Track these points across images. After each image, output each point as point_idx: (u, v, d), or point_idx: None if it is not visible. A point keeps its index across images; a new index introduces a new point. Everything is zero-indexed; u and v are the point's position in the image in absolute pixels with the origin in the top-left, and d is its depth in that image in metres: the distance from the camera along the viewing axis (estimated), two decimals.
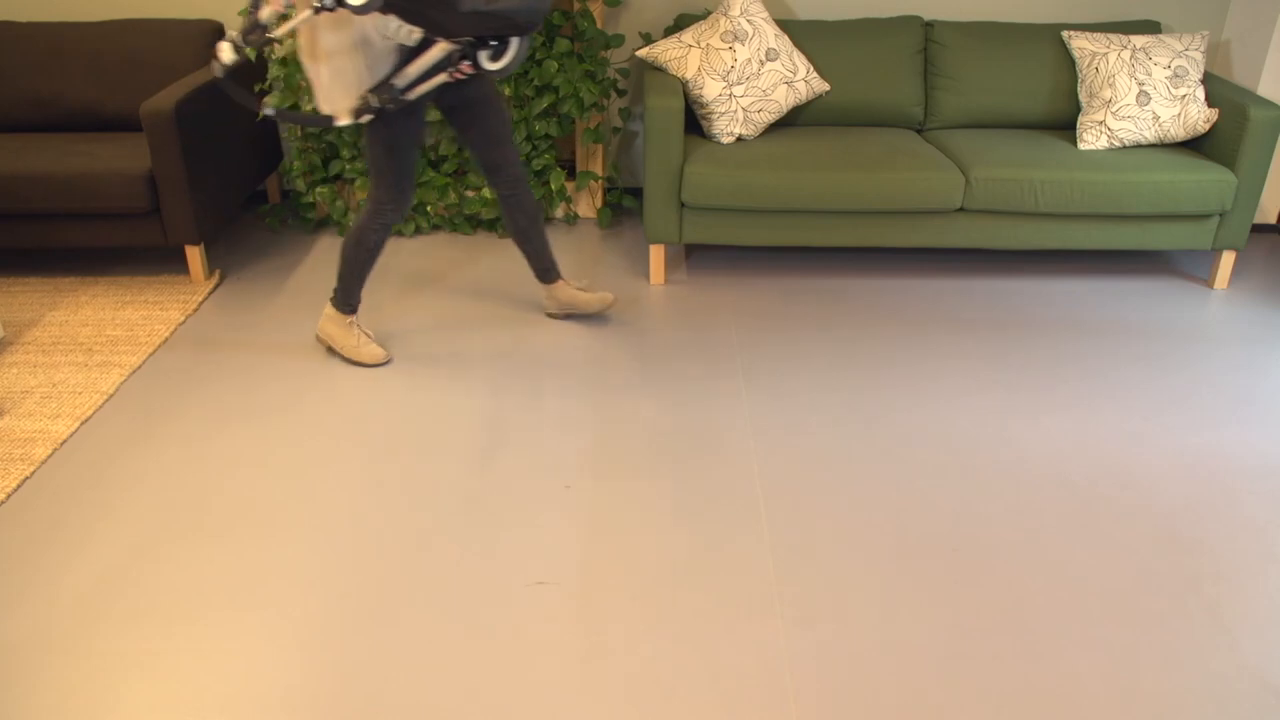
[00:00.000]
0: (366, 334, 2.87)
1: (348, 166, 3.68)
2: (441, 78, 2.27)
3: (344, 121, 2.27)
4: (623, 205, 4.06)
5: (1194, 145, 3.44)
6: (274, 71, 3.53)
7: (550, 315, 3.11)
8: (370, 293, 3.31)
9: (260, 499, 2.30)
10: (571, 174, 3.96)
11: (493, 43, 2.24)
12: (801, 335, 3.06)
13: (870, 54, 3.54)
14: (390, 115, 2.42)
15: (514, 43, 2.24)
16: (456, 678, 1.82)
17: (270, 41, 2.01)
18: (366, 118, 2.25)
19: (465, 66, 2.26)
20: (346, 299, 2.83)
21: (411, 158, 2.58)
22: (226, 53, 2.07)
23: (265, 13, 2.06)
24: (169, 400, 2.70)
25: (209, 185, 3.31)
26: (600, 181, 3.86)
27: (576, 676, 1.82)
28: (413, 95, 2.28)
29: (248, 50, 2.15)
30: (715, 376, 2.82)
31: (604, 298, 3.05)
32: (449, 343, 3.00)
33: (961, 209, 3.26)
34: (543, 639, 1.91)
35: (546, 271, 2.99)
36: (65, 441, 2.51)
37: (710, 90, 3.32)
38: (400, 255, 3.61)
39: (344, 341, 2.85)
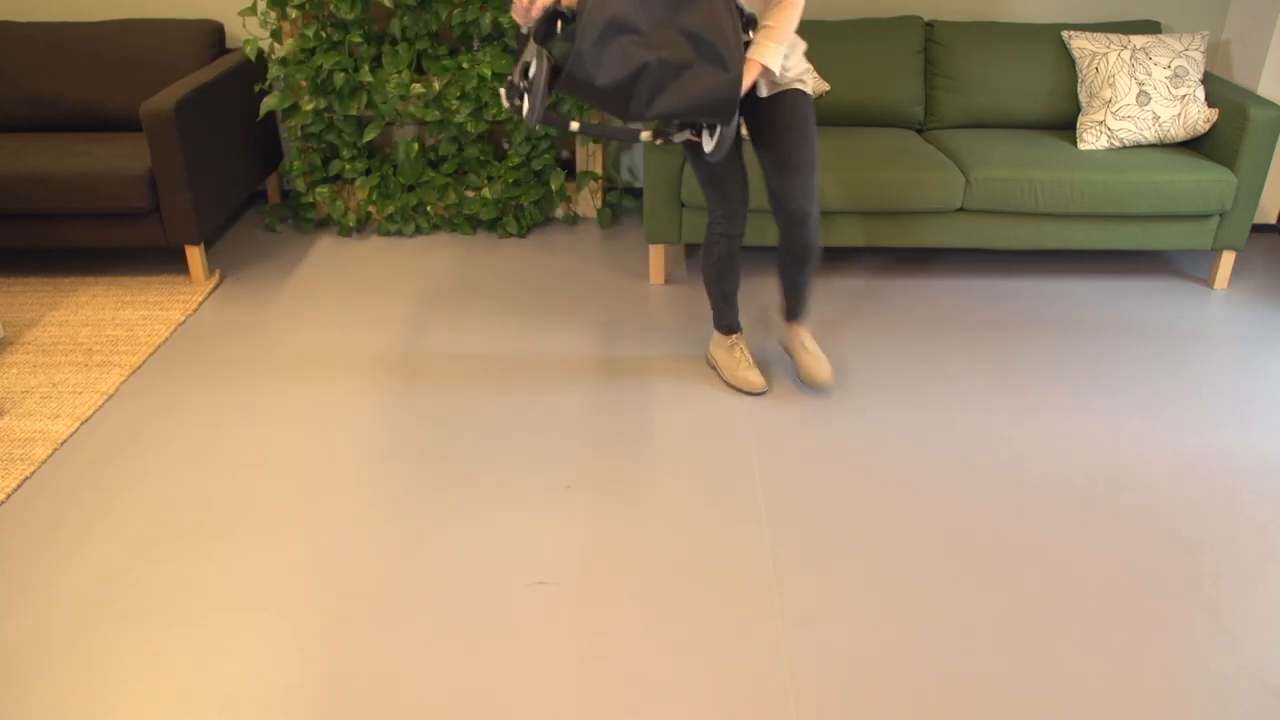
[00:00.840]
0: (747, 357, 2.75)
1: (348, 166, 3.68)
2: (686, 133, 2.25)
3: (646, 138, 2.26)
4: (623, 205, 4.06)
5: (1194, 145, 3.43)
6: (274, 71, 3.54)
7: (783, 348, 2.95)
8: (370, 293, 3.31)
9: (260, 499, 2.30)
10: (571, 174, 3.96)
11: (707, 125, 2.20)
12: None
13: (870, 54, 3.54)
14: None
15: (718, 129, 2.17)
16: (456, 678, 1.82)
17: (520, 107, 2.06)
18: (659, 141, 2.26)
19: (692, 135, 2.23)
20: (720, 320, 2.76)
21: (731, 172, 2.48)
22: (504, 99, 2.15)
23: (516, 75, 2.13)
24: (169, 400, 2.70)
25: (209, 185, 3.31)
26: (600, 181, 3.86)
27: (576, 676, 1.82)
28: (677, 138, 2.25)
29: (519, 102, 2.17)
30: (714, 376, 2.82)
31: (817, 375, 2.69)
32: (448, 342, 3.00)
33: (961, 209, 3.26)
34: (543, 639, 1.91)
35: (789, 312, 2.76)
36: (65, 441, 2.51)
37: None
38: (400, 255, 3.61)
39: (723, 364, 2.77)
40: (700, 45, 1.99)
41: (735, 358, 2.75)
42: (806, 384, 2.73)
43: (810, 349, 2.72)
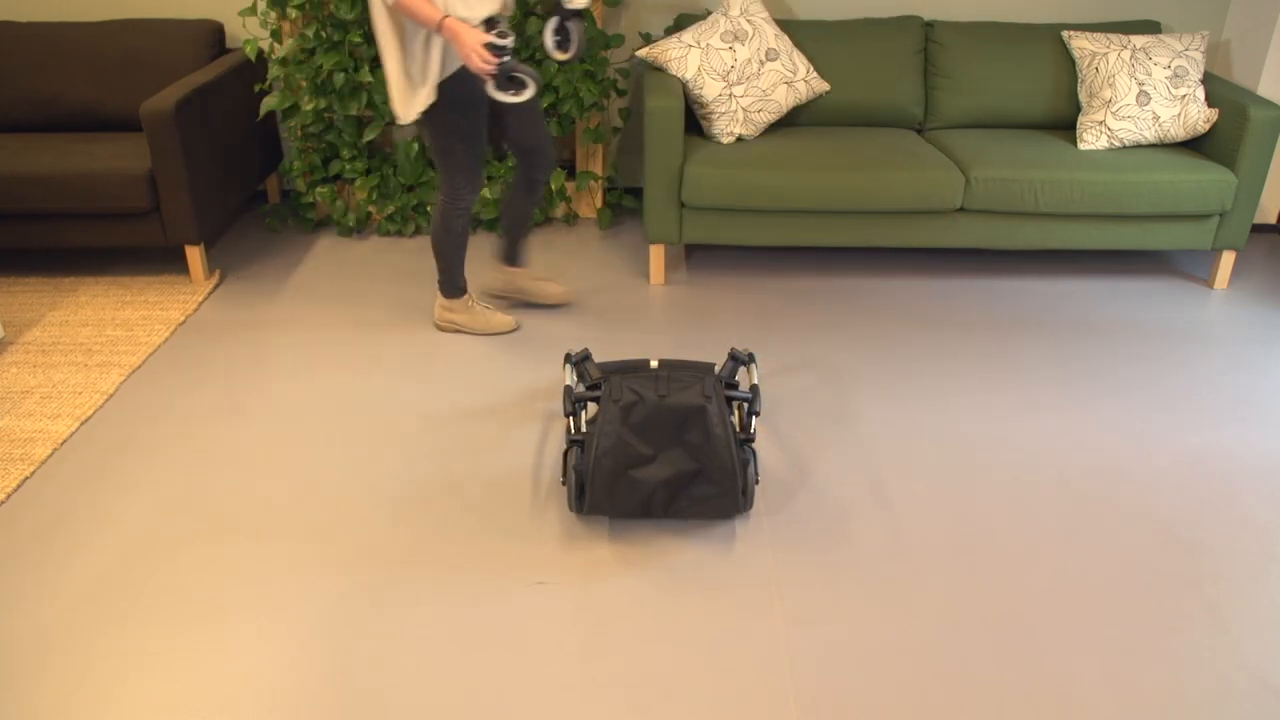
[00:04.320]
0: (487, 306, 3.04)
1: (348, 166, 3.68)
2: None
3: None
4: (623, 205, 4.06)
5: (1194, 145, 3.44)
6: (274, 71, 3.54)
7: (497, 294, 3.22)
8: (369, 293, 3.31)
9: (260, 499, 2.30)
10: (571, 174, 3.96)
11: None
12: (801, 335, 3.06)
13: (870, 54, 3.54)
14: (464, 109, 2.66)
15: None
16: (456, 678, 1.82)
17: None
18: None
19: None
20: (453, 284, 2.98)
21: (481, 146, 2.75)
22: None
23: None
24: (169, 400, 2.70)
25: (209, 185, 3.31)
26: (600, 181, 3.86)
27: (576, 676, 1.82)
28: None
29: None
30: None
31: (563, 293, 3.17)
32: (448, 342, 3.00)
33: (961, 209, 3.26)
34: (543, 639, 1.91)
35: (520, 257, 3.13)
36: (65, 441, 2.51)
37: (710, 90, 3.32)
38: (400, 254, 3.61)
39: (470, 322, 3.02)
40: (701, 458, 2.13)
41: (477, 312, 3.03)
42: (557, 304, 3.18)
43: (541, 276, 3.13)
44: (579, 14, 2.58)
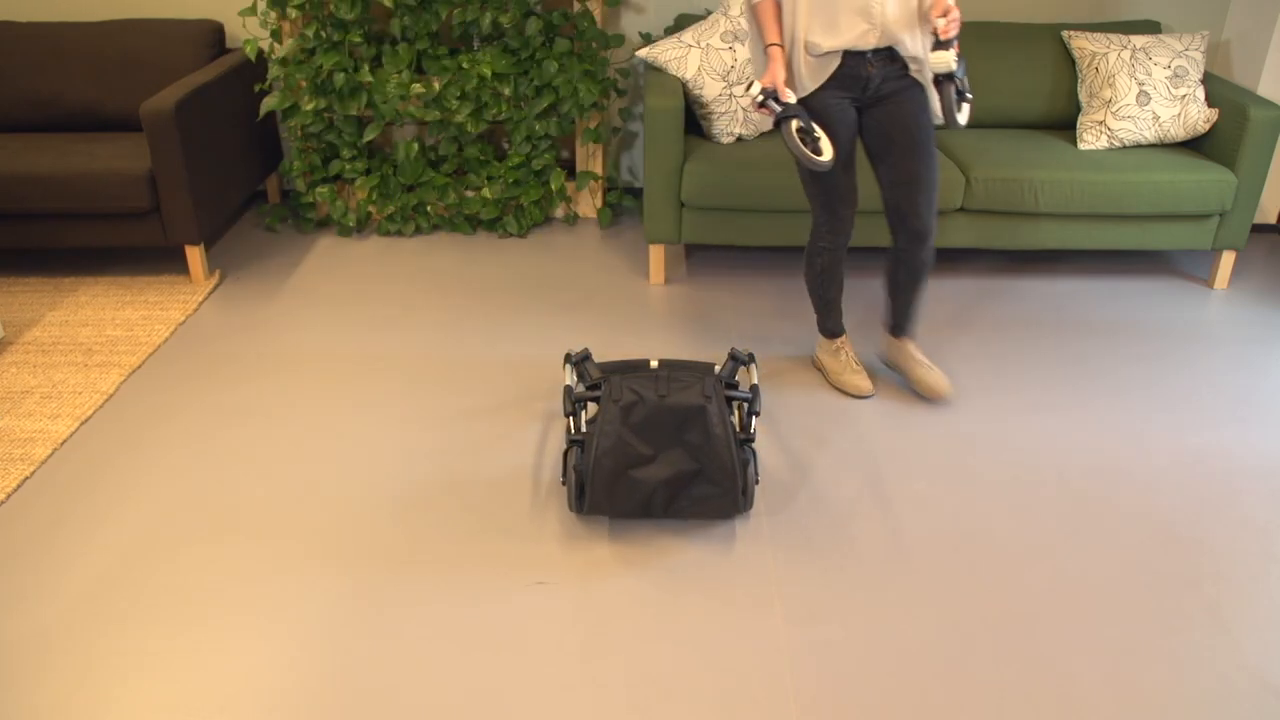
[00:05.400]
0: (854, 362, 2.76)
1: (348, 166, 3.68)
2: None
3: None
4: (623, 205, 4.06)
5: (1194, 145, 3.43)
6: (274, 71, 3.54)
7: (885, 363, 2.86)
8: (369, 293, 3.31)
9: (260, 499, 2.30)
10: (571, 174, 3.96)
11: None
12: (800, 335, 3.06)
13: None
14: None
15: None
16: (457, 678, 1.82)
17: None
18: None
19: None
20: (824, 324, 2.78)
21: (846, 189, 2.53)
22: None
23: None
24: (169, 400, 2.70)
25: (209, 185, 3.31)
26: (600, 181, 3.86)
27: (576, 676, 1.82)
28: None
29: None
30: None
31: (937, 388, 2.67)
32: (448, 343, 3.00)
33: (961, 209, 3.26)
34: (543, 639, 1.91)
35: (897, 327, 2.74)
36: (65, 441, 2.51)
37: (710, 90, 3.32)
38: (400, 255, 3.61)
39: (831, 367, 2.78)
40: (701, 458, 2.13)
41: (841, 361, 2.77)
42: (926, 396, 2.72)
43: (923, 361, 2.72)
44: (948, 78, 2.34)
